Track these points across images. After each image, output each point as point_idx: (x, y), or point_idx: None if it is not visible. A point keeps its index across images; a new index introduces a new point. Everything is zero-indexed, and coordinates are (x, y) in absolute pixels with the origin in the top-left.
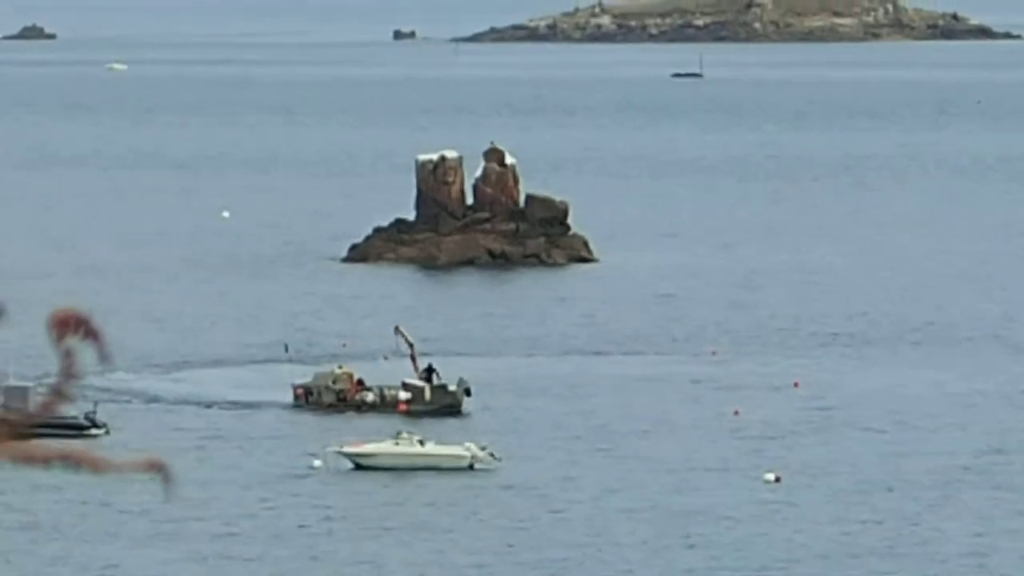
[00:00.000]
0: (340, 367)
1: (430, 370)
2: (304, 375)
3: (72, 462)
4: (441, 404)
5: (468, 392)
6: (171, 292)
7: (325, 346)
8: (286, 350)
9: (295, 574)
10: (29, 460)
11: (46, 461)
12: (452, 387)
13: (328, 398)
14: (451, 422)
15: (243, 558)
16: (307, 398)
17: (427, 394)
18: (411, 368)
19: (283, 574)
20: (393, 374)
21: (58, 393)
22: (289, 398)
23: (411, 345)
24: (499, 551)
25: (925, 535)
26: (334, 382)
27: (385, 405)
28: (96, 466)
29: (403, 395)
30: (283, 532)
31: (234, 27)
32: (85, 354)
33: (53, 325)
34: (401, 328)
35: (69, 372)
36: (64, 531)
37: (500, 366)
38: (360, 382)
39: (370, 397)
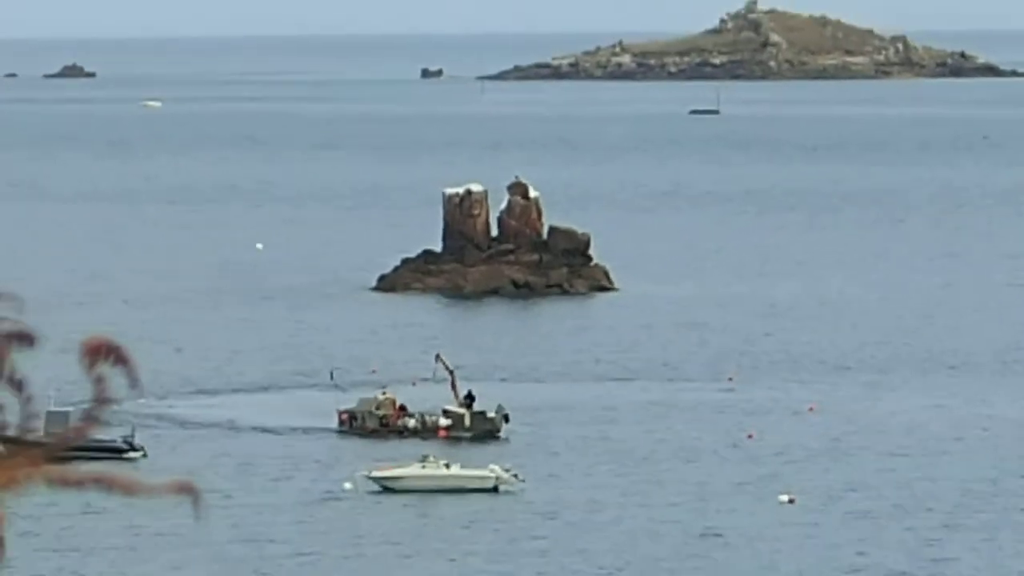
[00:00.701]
0: (383, 393)
1: (470, 396)
2: (341, 401)
3: (105, 485)
4: (480, 430)
5: (507, 418)
6: (207, 321)
7: (355, 373)
8: (331, 377)
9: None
10: (65, 483)
11: (80, 484)
12: (491, 414)
13: (371, 423)
14: (478, 445)
15: (266, 574)
16: (351, 423)
17: (467, 420)
18: (451, 395)
19: None
20: (433, 400)
21: (91, 418)
22: (334, 423)
23: (451, 372)
24: (524, 569)
25: (937, 557)
26: (377, 408)
27: (426, 430)
28: (128, 489)
29: (443, 421)
30: (312, 552)
31: (267, 65)
32: (116, 380)
33: (85, 352)
34: (442, 356)
35: (101, 397)
36: (102, 553)
37: (524, 392)
38: (403, 408)
39: (412, 423)
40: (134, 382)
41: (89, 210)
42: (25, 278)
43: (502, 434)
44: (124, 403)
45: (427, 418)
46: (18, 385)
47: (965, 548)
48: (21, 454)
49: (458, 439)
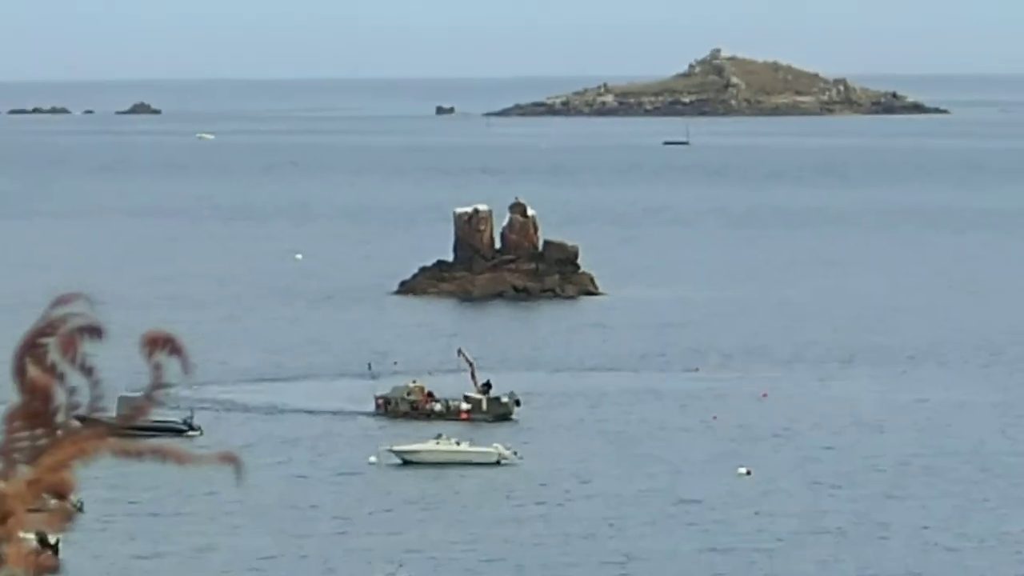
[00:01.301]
0: (414, 382)
1: (488, 385)
2: (377, 388)
3: (160, 455)
4: (495, 413)
5: (518, 403)
6: (254, 320)
7: (380, 364)
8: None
9: (350, 549)
10: (127, 453)
11: (140, 454)
12: (504, 399)
13: (403, 407)
14: (488, 425)
15: (306, 534)
16: (386, 407)
17: (484, 405)
18: (471, 383)
19: (337, 550)
20: (457, 388)
21: (150, 399)
22: (371, 407)
23: (471, 364)
24: (524, 530)
25: (876, 521)
26: (408, 394)
27: (450, 414)
28: (180, 458)
29: (464, 405)
30: (341, 513)
31: (305, 103)
32: (171, 367)
33: (145, 343)
34: (463, 350)
35: (158, 382)
36: (166, 517)
37: (523, 380)
38: (430, 394)
39: (438, 407)
40: (187, 368)
41: (153, 225)
42: (102, 283)
43: (514, 416)
44: (180, 389)
45: (450, 403)
46: (88, 371)
47: (901, 513)
48: (90, 430)
49: (477, 420)
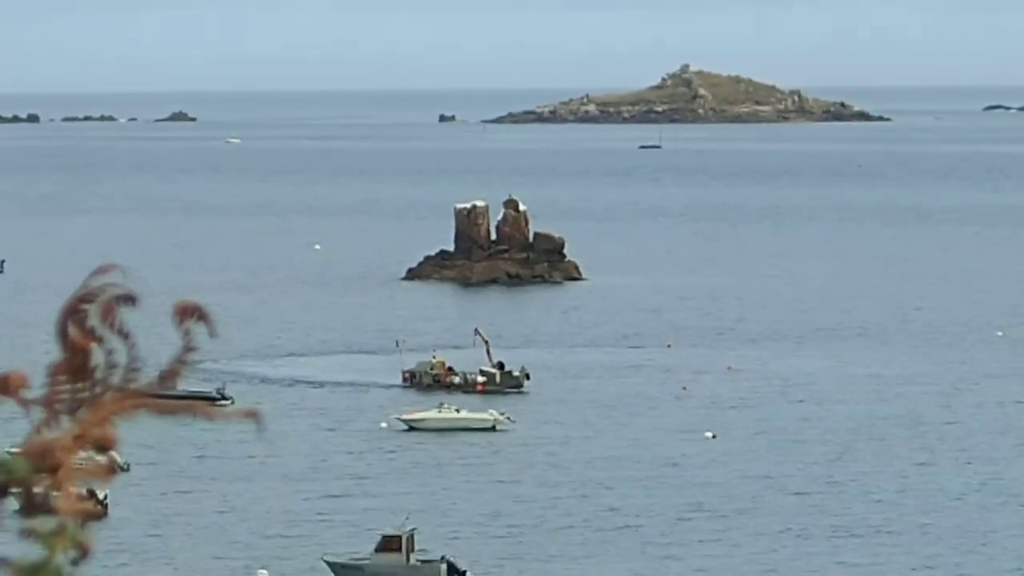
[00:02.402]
0: (435, 357)
1: (502, 364)
2: (404, 363)
3: (191, 412)
4: (508, 385)
5: (528, 376)
6: (280, 303)
7: (389, 341)
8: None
9: (365, 505)
10: (162, 411)
11: (174, 411)
12: (516, 372)
13: (427, 380)
14: (493, 395)
15: (320, 492)
16: (412, 380)
17: (498, 378)
18: (487, 359)
19: (354, 505)
20: (464, 361)
21: (181, 362)
22: (398, 380)
23: (487, 342)
24: (519, 487)
25: (830, 481)
26: (431, 368)
27: (467, 386)
28: (208, 415)
29: (480, 378)
30: (353, 474)
31: (323, 112)
32: (199, 333)
33: (177, 312)
34: (479, 329)
35: (188, 346)
36: (201, 477)
37: (516, 356)
38: (450, 368)
39: (457, 380)
40: (213, 334)
41: (187, 220)
42: (146, 271)
43: (525, 388)
44: (213, 360)
45: (468, 376)
46: (125, 335)
47: (853, 475)
48: (129, 388)
49: (491, 392)
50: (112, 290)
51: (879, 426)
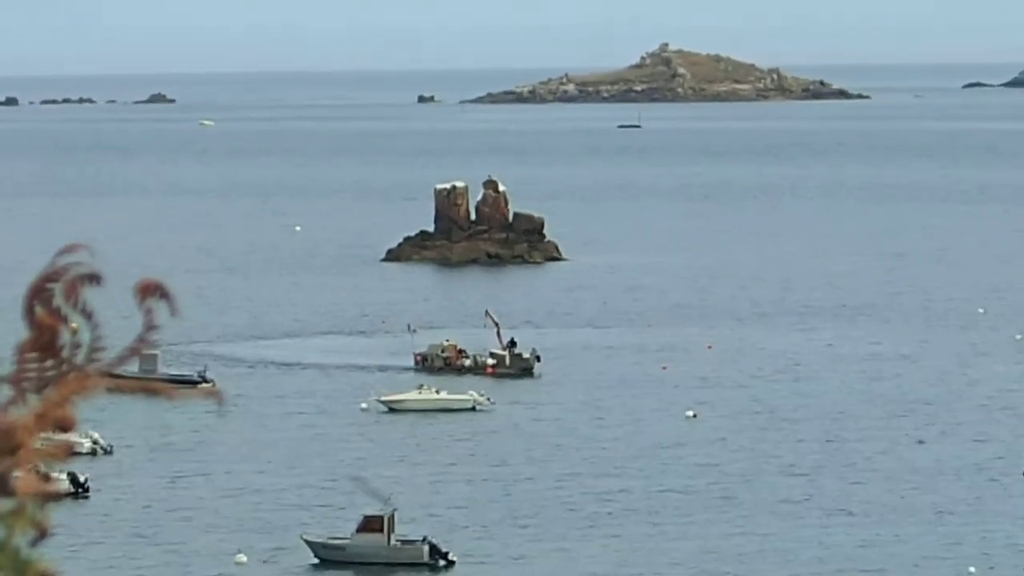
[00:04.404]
0: (447, 340)
1: (513, 342)
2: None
3: (151, 391)
4: (518, 367)
5: (538, 358)
6: (259, 285)
7: (372, 321)
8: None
9: (345, 484)
10: (121, 390)
11: (132, 390)
12: (526, 355)
13: (438, 363)
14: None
15: (301, 473)
16: (423, 363)
17: (508, 360)
18: (496, 341)
19: (336, 484)
20: (485, 345)
21: (142, 341)
22: (410, 363)
23: (496, 324)
24: (499, 469)
25: (807, 456)
26: (442, 351)
27: (478, 368)
28: (168, 394)
29: (490, 361)
30: (334, 455)
31: (301, 93)
32: (160, 311)
33: (138, 290)
34: (489, 311)
35: (150, 325)
36: (183, 456)
37: (477, 335)
38: (461, 351)
39: (467, 362)
40: (174, 311)
41: (164, 202)
42: (127, 253)
43: (535, 371)
44: (194, 342)
45: (478, 359)
46: (88, 315)
47: (831, 454)
48: (90, 368)
49: (501, 374)
50: (76, 269)
51: (862, 404)
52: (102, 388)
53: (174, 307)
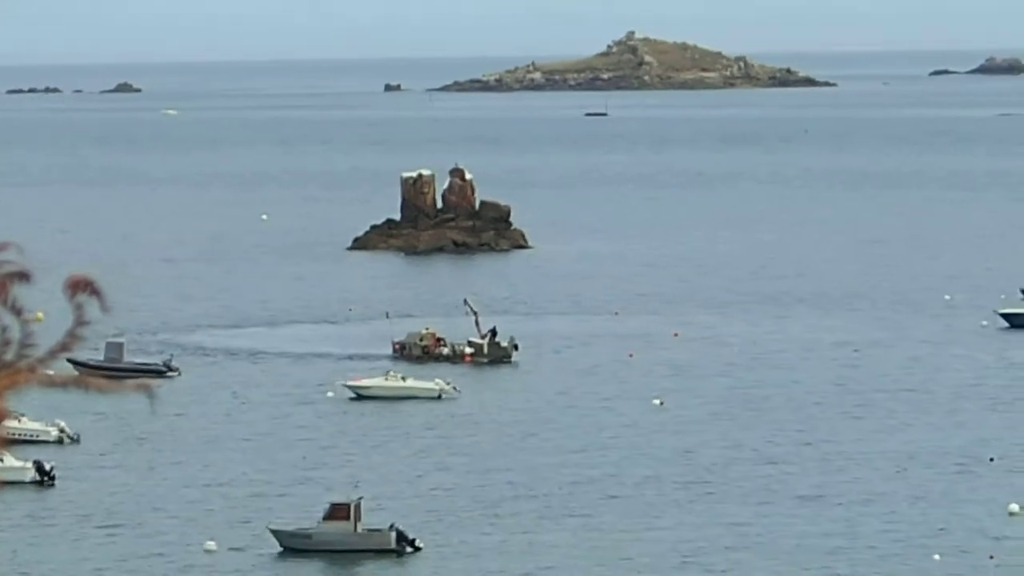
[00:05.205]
0: (426, 328)
1: (493, 331)
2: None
3: (83, 386)
4: (496, 356)
5: (516, 347)
6: (227, 273)
7: (335, 309)
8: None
9: (311, 472)
10: (53, 385)
11: (64, 386)
12: (504, 343)
13: (416, 352)
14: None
15: (267, 461)
16: (402, 351)
17: (486, 349)
18: (475, 330)
19: (302, 474)
20: (465, 333)
21: (72, 337)
22: (388, 351)
23: (475, 313)
24: (460, 456)
25: (780, 444)
26: (421, 340)
27: (456, 357)
28: (100, 388)
29: (468, 349)
30: (300, 443)
31: (267, 82)
32: (91, 307)
33: (68, 286)
34: (468, 300)
35: (80, 320)
36: (150, 445)
37: (462, 325)
38: (440, 340)
39: (446, 351)
40: (105, 309)
41: (130, 192)
42: (95, 244)
43: (513, 359)
44: (159, 332)
45: (456, 347)
46: (18, 312)
47: (801, 440)
48: (22, 364)
49: (480, 363)
50: (5, 267)
51: (833, 391)
52: (34, 383)
53: (105, 303)
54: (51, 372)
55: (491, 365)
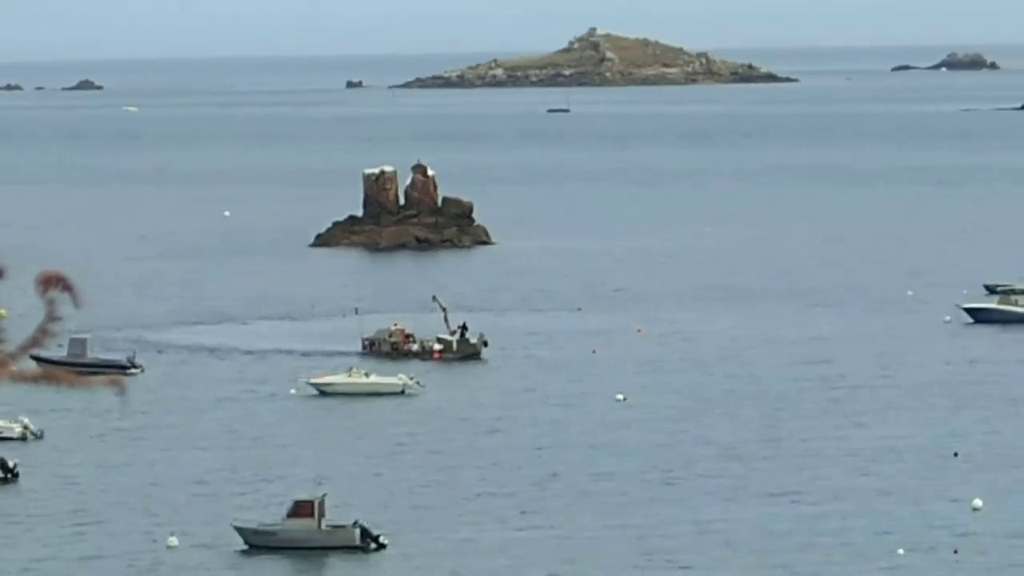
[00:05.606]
0: (395, 324)
1: (463, 327)
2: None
3: (54, 381)
4: (465, 352)
5: (485, 343)
6: (190, 270)
7: (299, 307)
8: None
9: (275, 470)
10: (24, 379)
11: (35, 380)
12: (473, 340)
13: (385, 348)
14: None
15: (230, 459)
16: (371, 347)
17: (455, 345)
18: (444, 326)
19: (264, 469)
20: (434, 330)
21: (44, 331)
22: (358, 348)
23: (444, 309)
24: (420, 448)
25: (745, 439)
26: (390, 336)
27: (425, 353)
28: (71, 383)
29: (437, 346)
30: (264, 440)
31: (226, 79)
32: (63, 302)
33: (40, 282)
34: (437, 297)
35: (51, 316)
36: (114, 442)
37: (425, 321)
38: (409, 336)
39: (415, 347)
40: (77, 304)
41: (93, 189)
42: (60, 241)
43: (482, 355)
44: (122, 328)
45: (425, 343)
46: None
47: (766, 435)
48: None
49: (449, 359)
50: None
51: (797, 387)
52: (4, 378)
53: (77, 299)
54: (22, 368)
55: (460, 361)
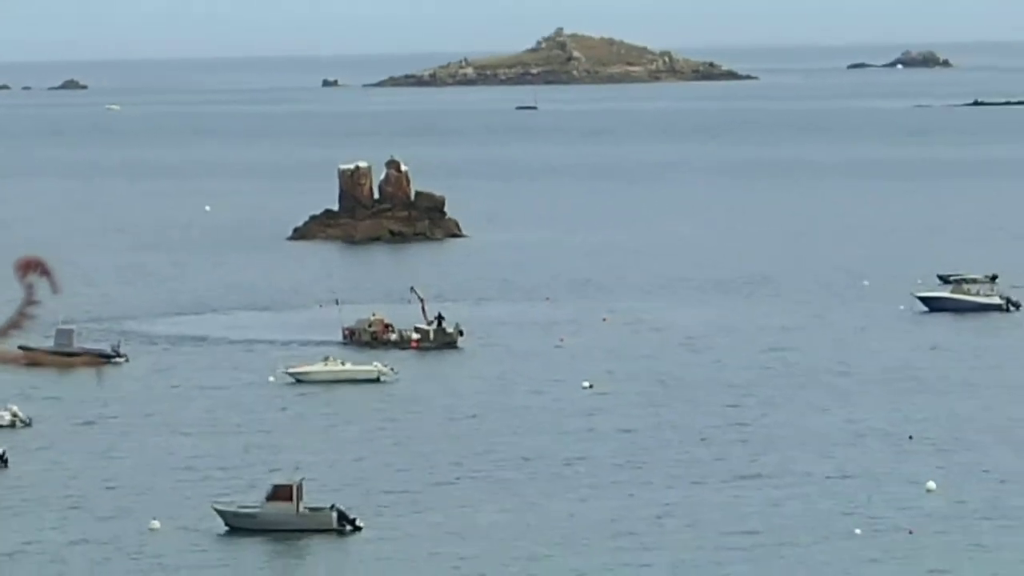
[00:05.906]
0: (374, 314)
1: (440, 317)
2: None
3: (36, 364)
4: (442, 342)
5: (461, 333)
6: (171, 263)
7: (274, 297)
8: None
9: (254, 455)
10: (5, 362)
11: (17, 362)
12: (450, 329)
13: (365, 337)
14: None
15: (211, 444)
16: (351, 337)
17: (432, 335)
18: (422, 316)
19: (236, 455)
20: (412, 320)
21: (23, 315)
22: (339, 337)
23: (422, 300)
24: (397, 434)
25: (702, 422)
26: (370, 326)
27: (403, 342)
28: (53, 365)
29: (415, 335)
30: (243, 427)
31: (207, 78)
32: (41, 287)
33: (18, 267)
34: (415, 288)
35: (30, 300)
36: (98, 428)
37: (399, 311)
38: (388, 326)
39: (393, 336)
40: (55, 289)
41: (77, 184)
42: (43, 238)
43: (459, 344)
44: (105, 318)
45: (404, 333)
46: None
47: (729, 422)
48: None
49: (426, 348)
50: None
51: (759, 375)
52: None
53: (55, 284)
54: (4, 351)
55: (437, 350)
